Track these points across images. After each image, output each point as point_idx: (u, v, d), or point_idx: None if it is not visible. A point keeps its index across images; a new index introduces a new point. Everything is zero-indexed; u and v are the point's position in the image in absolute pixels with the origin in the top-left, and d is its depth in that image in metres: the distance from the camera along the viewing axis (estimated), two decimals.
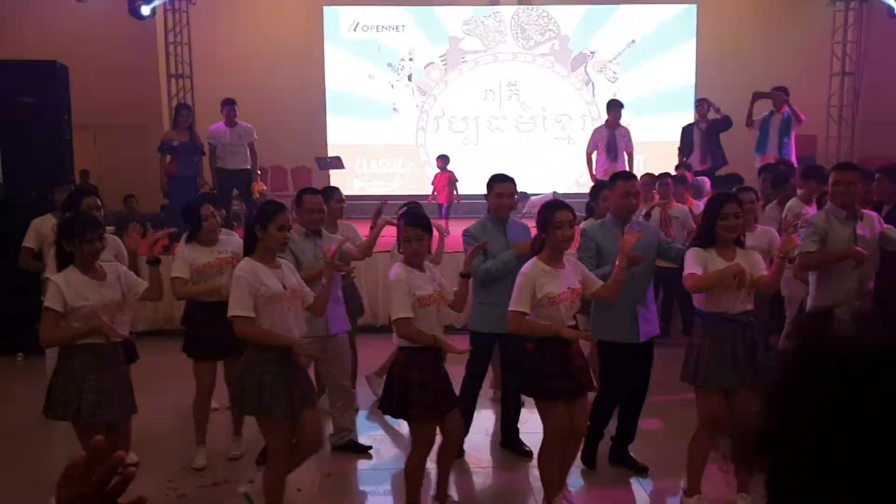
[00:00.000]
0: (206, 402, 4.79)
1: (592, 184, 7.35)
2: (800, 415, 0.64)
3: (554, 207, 3.87)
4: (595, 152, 9.04)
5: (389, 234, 5.11)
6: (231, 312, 3.59)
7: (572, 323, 3.93)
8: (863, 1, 11.92)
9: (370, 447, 4.90)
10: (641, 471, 4.53)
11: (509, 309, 3.81)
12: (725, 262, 3.84)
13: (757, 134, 8.75)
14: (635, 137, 9.16)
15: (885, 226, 4.64)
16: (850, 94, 12.35)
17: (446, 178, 9.91)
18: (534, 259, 3.88)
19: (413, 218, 4.02)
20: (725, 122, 9.13)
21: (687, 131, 9.40)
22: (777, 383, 0.68)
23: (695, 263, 3.85)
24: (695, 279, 3.82)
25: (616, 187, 4.48)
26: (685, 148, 9.33)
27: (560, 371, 3.79)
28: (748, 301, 3.90)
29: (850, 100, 12.35)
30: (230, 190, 8.91)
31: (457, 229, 6.39)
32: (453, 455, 4.18)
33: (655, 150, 11.02)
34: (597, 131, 9.23)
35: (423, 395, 3.73)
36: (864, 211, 4.64)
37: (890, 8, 10.77)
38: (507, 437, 4.93)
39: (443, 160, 10.05)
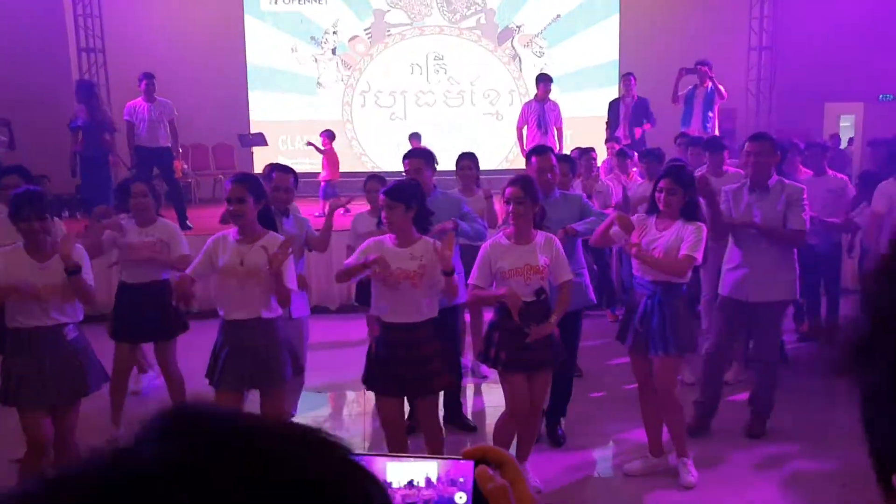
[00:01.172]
0: (124, 385, 4.84)
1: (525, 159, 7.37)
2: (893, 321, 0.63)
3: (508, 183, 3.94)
4: (525, 127, 9.04)
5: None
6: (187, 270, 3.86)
7: (531, 299, 3.86)
8: None
9: None
10: (559, 443, 4.61)
11: (467, 283, 3.92)
12: (658, 231, 4.01)
13: (682, 108, 8.90)
14: (563, 112, 9.19)
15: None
16: (767, 69, 12.67)
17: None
18: (499, 233, 3.99)
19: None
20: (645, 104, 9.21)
21: (614, 106, 9.48)
22: (879, 287, 0.66)
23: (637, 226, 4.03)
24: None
25: (531, 163, 4.49)
26: (612, 122, 9.42)
27: (515, 344, 3.82)
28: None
29: (767, 74, 12.68)
30: (150, 169, 8.53)
31: None
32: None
33: (583, 124, 11.09)
34: (526, 106, 9.23)
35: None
36: (786, 182, 4.66)
37: None
38: (452, 414, 4.88)
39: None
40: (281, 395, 3.95)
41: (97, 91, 9.20)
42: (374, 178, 5.28)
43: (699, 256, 3.95)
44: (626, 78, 9.48)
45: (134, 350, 4.94)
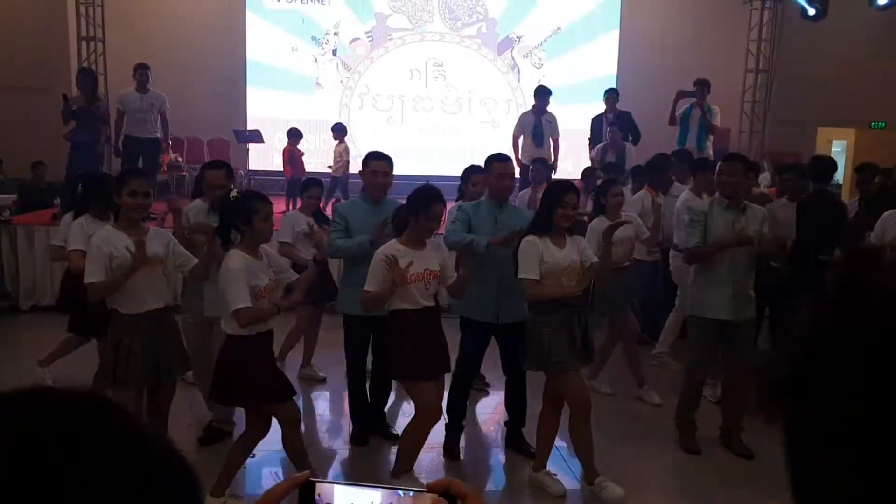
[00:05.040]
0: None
1: (520, 169, 7.48)
2: (832, 355, 0.59)
3: (434, 198, 3.92)
4: (521, 137, 9.10)
5: None
6: (86, 279, 3.59)
7: (431, 304, 3.99)
8: (777, 1, 12.33)
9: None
10: (531, 455, 4.50)
11: (364, 289, 3.87)
12: (558, 249, 3.99)
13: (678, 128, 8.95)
14: (559, 124, 9.25)
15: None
16: (763, 91, 12.79)
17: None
18: (392, 241, 3.95)
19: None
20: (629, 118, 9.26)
21: (596, 121, 9.53)
22: (810, 321, 0.62)
23: (530, 263, 3.94)
24: (535, 289, 3.96)
25: (492, 168, 4.55)
26: (595, 138, 9.48)
27: (421, 350, 3.90)
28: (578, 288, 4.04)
29: (762, 96, 12.80)
30: (136, 159, 8.50)
31: None
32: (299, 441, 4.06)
33: (578, 136, 11.16)
34: (523, 116, 9.29)
35: (256, 381, 3.67)
36: (753, 204, 4.73)
37: (803, 9, 11.18)
38: (373, 423, 4.85)
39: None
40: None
41: (97, 80, 9.19)
42: (315, 182, 5.76)
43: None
44: (608, 94, 9.48)
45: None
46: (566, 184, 4.21)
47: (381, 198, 4.61)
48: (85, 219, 4.43)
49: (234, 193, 3.80)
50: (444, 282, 4.05)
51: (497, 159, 4.61)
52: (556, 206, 3.96)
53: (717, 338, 4.65)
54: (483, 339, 4.56)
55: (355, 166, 7.23)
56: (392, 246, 3.90)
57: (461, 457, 4.63)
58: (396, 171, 4.80)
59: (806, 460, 0.61)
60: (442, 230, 4.41)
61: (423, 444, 4.07)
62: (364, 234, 4.42)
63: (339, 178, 9.98)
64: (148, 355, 3.65)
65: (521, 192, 7.46)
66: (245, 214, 3.60)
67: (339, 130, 10.26)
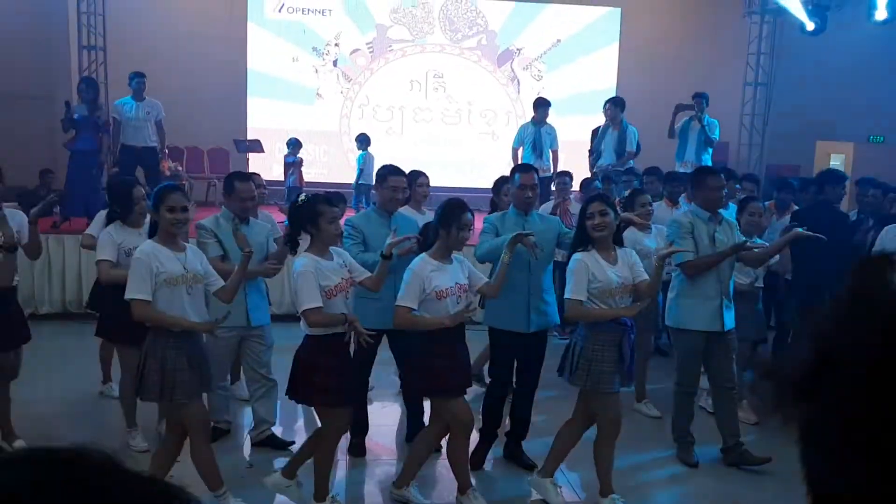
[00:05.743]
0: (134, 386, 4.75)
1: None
2: (845, 353, 0.62)
3: (463, 208, 3.92)
4: (521, 149, 9.11)
5: None
6: (128, 295, 3.58)
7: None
8: (776, 15, 12.39)
9: (292, 442, 4.78)
10: (529, 468, 4.51)
11: (396, 304, 3.84)
12: (609, 264, 3.95)
13: (677, 141, 8.96)
14: (558, 136, 9.27)
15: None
16: (762, 105, 12.84)
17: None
18: (423, 255, 3.93)
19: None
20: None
21: (597, 133, 9.51)
22: (827, 324, 0.65)
23: (579, 284, 3.91)
24: (579, 311, 3.94)
25: (515, 180, 4.57)
26: (596, 149, 9.45)
27: (450, 365, 3.87)
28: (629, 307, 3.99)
29: (761, 109, 12.85)
30: (133, 168, 8.47)
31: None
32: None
33: (578, 148, 11.18)
34: (523, 128, 9.31)
35: (328, 381, 3.72)
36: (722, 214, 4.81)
37: (802, 23, 11.23)
38: (413, 434, 4.82)
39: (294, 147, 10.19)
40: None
41: (98, 89, 9.20)
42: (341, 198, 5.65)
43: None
44: (608, 105, 9.37)
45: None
46: (591, 196, 4.26)
47: (394, 211, 4.67)
48: (114, 227, 4.49)
49: (302, 197, 3.84)
50: (473, 290, 4.01)
51: (520, 170, 4.63)
52: (585, 218, 3.99)
53: (704, 350, 4.66)
54: (514, 349, 4.49)
55: (348, 177, 7.21)
56: (425, 260, 3.89)
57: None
58: None
59: (822, 457, 0.63)
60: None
61: (467, 459, 4.10)
62: (378, 247, 4.33)
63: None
64: (192, 369, 3.66)
65: (544, 206, 7.38)
66: (312, 217, 3.69)
67: (364, 141, 10.29)
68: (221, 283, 3.83)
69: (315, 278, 3.62)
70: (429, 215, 4.85)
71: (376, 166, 10.19)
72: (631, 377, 4.19)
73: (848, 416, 0.60)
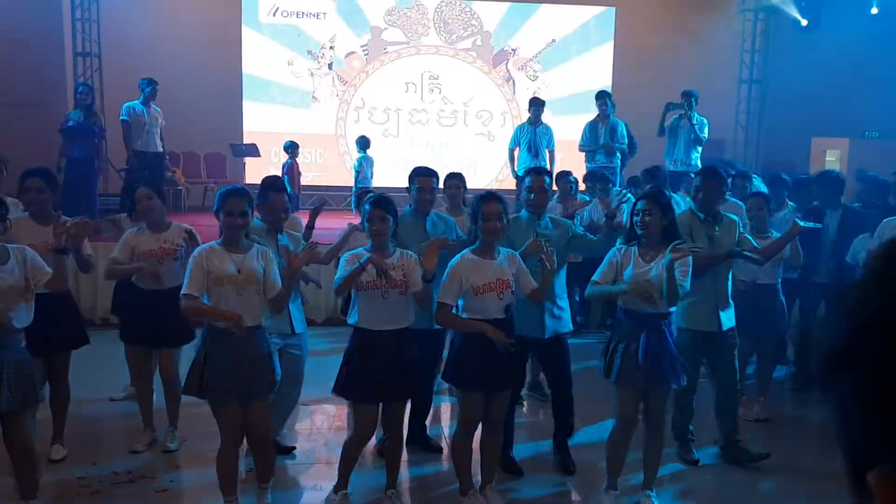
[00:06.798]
0: (145, 388, 4.84)
1: (515, 181, 7.47)
2: (879, 330, 0.65)
3: (485, 199, 3.90)
4: (517, 149, 9.12)
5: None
6: (183, 291, 3.64)
7: (501, 316, 3.85)
8: (770, 12, 12.42)
9: (293, 447, 4.77)
10: (568, 471, 4.52)
11: (436, 300, 3.85)
12: (644, 262, 3.92)
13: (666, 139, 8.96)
14: (554, 136, 9.29)
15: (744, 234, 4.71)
16: (756, 101, 12.86)
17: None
18: (464, 251, 3.92)
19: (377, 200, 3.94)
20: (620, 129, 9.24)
21: (588, 127, 9.50)
22: (860, 297, 0.69)
23: (602, 268, 4.00)
24: (590, 288, 4.04)
25: (526, 182, 4.57)
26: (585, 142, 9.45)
27: (479, 363, 3.81)
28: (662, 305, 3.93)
29: (756, 106, 12.87)
30: (142, 174, 8.51)
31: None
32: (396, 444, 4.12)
33: (573, 148, 11.19)
34: (519, 128, 9.32)
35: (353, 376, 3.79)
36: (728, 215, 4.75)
37: (795, 19, 11.26)
38: (417, 434, 4.86)
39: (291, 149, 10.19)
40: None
41: (94, 96, 9.22)
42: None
43: (687, 285, 3.95)
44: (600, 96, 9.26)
45: (148, 355, 4.79)
46: (641, 194, 4.25)
47: (428, 211, 4.69)
48: (137, 230, 4.60)
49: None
50: (520, 291, 3.94)
51: (531, 173, 4.61)
52: (632, 214, 4.03)
53: (702, 349, 4.66)
54: (526, 354, 4.46)
55: (344, 180, 7.22)
56: (464, 257, 3.87)
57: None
58: (392, 184, 4.84)
59: (860, 420, 0.67)
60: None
61: (472, 455, 4.11)
62: (410, 247, 4.25)
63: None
64: (235, 372, 3.64)
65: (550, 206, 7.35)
66: (217, 206, 3.74)
67: (363, 144, 10.32)
68: (277, 291, 3.77)
69: (201, 266, 3.65)
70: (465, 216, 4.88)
71: (374, 169, 10.35)
72: (678, 373, 4.02)
73: (887, 380, 0.64)
